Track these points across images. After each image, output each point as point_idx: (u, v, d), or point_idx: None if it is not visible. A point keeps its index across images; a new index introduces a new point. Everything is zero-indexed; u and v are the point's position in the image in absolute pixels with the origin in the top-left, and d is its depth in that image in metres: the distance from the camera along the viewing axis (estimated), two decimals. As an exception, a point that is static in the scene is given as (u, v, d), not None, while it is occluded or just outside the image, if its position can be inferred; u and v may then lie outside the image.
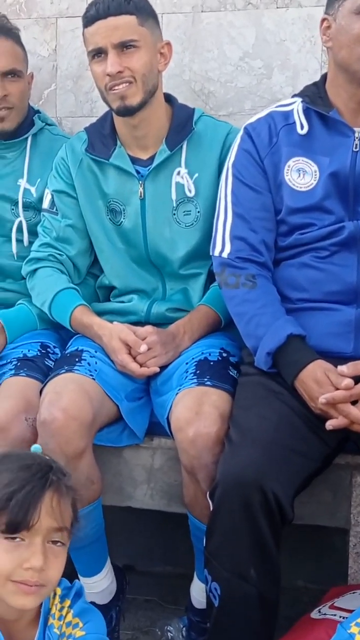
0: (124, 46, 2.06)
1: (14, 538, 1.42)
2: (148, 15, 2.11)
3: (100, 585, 2.09)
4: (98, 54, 2.09)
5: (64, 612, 1.50)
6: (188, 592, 2.16)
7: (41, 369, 2.19)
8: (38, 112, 2.52)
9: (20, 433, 2.01)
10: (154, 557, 2.71)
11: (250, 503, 1.71)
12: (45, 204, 2.35)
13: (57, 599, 1.52)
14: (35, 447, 1.53)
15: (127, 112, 2.12)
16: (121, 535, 2.52)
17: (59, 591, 1.53)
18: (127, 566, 2.53)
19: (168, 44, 2.18)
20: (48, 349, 2.29)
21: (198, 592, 2.06)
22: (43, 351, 2.27)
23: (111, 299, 2.38)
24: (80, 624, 1.49)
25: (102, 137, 2.26)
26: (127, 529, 2.63)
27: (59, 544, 1.46)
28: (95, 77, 2.13)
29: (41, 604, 1.51)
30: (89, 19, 2.08)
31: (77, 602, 1.52)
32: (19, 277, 2.44)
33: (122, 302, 2.33)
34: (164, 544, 2.72)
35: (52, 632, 1.49)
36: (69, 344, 2.24)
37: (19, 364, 2.21)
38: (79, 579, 1.68)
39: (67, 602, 1.51)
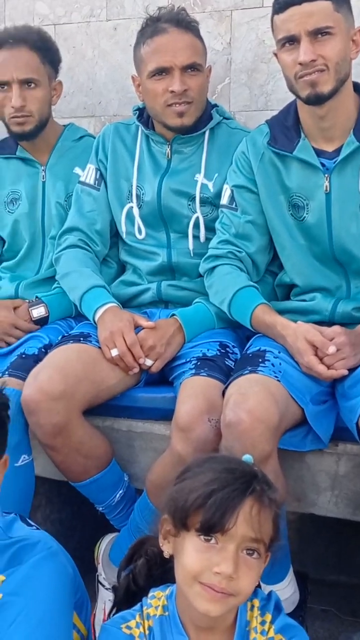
0: (318, 33, 1.97)
1: (208, 539, 1.38)
2: (343, 0, 2.01)
3: (283, 593, 2.01)
4: (290, 41, 2.01)
5: (266, 627, 1.45)
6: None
7: (221, 369, 2.14)
8: (216, 106, 2.47)
9: (204, 434, 1.97)
10: (328, 566, 2.61)
11: None
12: (224, 200, 2.31)
13: (257, 611, 1.47)
14: (247, 457, 1.49)
15: (317, 100, 2.03)
16: (294, 541, 2.44)
17: (257, 603, 1.48)
18: (300, 573, 2.45)
19: (361, 29, 2.08)
20: (227, 349, 2.24)
21: (389, 608, 1.95)
22: (222, 351, 2.22)
23: (292, 297, 2.30)
24: None
25: (285, 129, 2.19)
26: (301, 535, 2.55)
27: (254, 555, 1.41)
28: (284, 66, 2.06)
29: (236, 615, 1.46)
30: (281, 5, 2.00)
31: (279, 616, 1.46)
32: (195, 274, 2.41)
33: (304, 300, 2.24)
34: (338, 552, 2.62)
35: None
36: (250, 343, 2.18)
37: (199, 363, 2.17)
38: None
39: (269, 616, 1.46)
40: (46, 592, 1.42)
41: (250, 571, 1.40)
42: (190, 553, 1.39)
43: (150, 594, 1.49)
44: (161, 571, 1.54)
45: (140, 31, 2.38)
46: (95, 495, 2.24)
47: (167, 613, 1.45)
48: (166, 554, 1.47)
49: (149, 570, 1.55)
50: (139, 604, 1.48)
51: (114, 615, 1.56)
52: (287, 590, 2.04)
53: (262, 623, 1.45)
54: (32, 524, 1.59)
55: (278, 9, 2.02)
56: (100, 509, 2.27)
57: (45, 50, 2.52)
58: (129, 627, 1.43)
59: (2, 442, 1.51)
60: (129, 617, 1.46)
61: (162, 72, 2.30)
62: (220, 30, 2.78)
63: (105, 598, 2.19)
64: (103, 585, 2.22)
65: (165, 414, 2.19)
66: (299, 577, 2.15)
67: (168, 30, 2.31)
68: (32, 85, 2.49)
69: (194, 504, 1.39)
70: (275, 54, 2.12)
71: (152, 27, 2.33)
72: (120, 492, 2.24)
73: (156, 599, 1.48)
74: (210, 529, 1.38)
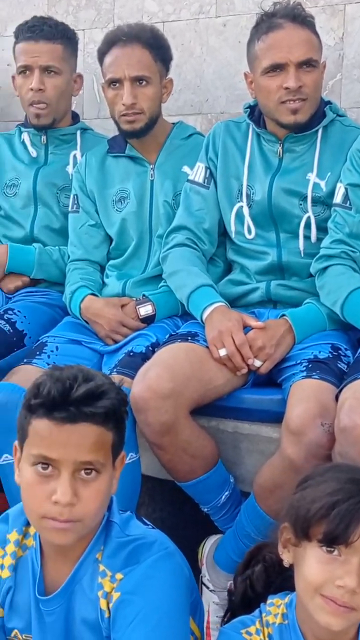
0: None
1: (331, 551, 1.34)
2: None
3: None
4: None
5: None
6: None
7: (334, 372, 2.09)
8: (329, 103, 2.42)
9: (316, 438, 1.93)
10: None
11: None
12: (338, 199, 2.25)
13: None
14: None
15: None
16: None
17: (379, 617, 1.43)
18: None
19: None
20: (339, 351, 2.18)
21: None
22: (335, 353, 2.17)
23: None
24: None
25: None
26: None
27: None
28: None
29: (358, 629, 1.42)
30: None
31: None
32: (306, 275, 2.36)
33: None
34: None
35: None
36: (363, 346, 2.13)
37: (310, 365, 2.12)
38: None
39: None
40: (164, 593, 1.41)
41: None
42: (312, 564, 1.35)
43: (268, 601, 1.47)
44: (280, 579, 1.51)
45: (255, 27, 2.34)
46: (201, 495, 2.22)
47: (286, 622, 1.42)
48: (286, 563, 1.44)
49: (267, 577, 1.52)
50: (257, 610, 1.46)
51: (228, 619, 1.53)
52: None
53: None
54: (148, 522, 1.58)
55: None
56: (205, 509, 2.25)
57: (158, 48, 2.51)
58: (249, 633, 1.41)
59: (121, 438, 1.51)
60: (249, 622, 1.43)
61: (276, 68, 2.26)
62: (332, 24, 2.73)
63: (210, 600, 2.17)
64: (207, 587, 2.20)
65: (273, 416, 2.16)
66: None
67: (284, 25, 2.27)
68: (144, 82, 2.48)
69: (317, 514, 1.35)
70: None
71: (267, 22, 2.29)
72: (226, 493, 2.22)
73: (275, 607, 1.45)
74: (333, 540, 1.34)
